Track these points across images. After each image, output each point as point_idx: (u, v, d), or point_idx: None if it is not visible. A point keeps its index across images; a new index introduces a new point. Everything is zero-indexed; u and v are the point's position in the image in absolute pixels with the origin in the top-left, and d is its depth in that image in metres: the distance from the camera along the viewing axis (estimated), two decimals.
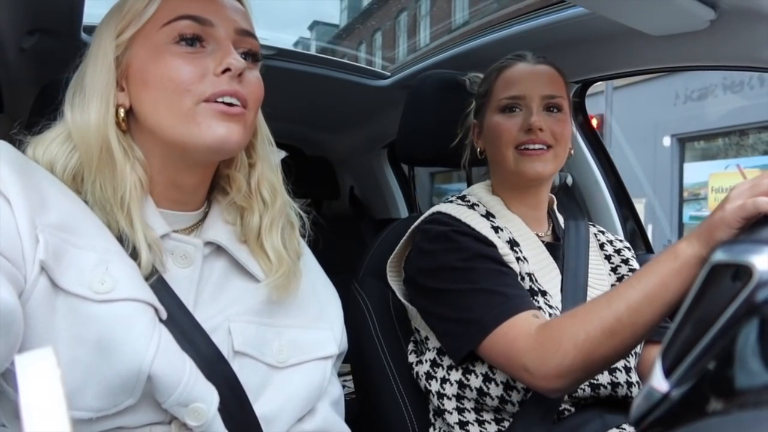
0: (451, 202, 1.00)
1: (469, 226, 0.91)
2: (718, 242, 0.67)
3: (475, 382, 0.89)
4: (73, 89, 0.66)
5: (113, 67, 0.64)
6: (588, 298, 0.94)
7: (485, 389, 0.89)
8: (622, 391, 0.90)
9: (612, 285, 1.01)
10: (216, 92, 0.62)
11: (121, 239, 0.62)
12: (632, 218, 1.55)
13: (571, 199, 1.11)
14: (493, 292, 0.85)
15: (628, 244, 1.09)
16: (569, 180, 1.16)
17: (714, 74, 6.20)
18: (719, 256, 0.40)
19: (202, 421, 0.61)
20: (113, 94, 0.64)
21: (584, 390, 0.88)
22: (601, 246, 1.06)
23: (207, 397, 0.61)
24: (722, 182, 6.58)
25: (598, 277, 1.00)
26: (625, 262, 1.04)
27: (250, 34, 0.68)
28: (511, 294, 0.85)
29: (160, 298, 0.62)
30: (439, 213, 0.95)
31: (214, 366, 0.63)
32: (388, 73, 1.75)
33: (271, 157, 0.75)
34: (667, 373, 0.38)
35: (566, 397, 0.88)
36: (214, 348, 0.64)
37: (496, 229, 0.93)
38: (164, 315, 0.61)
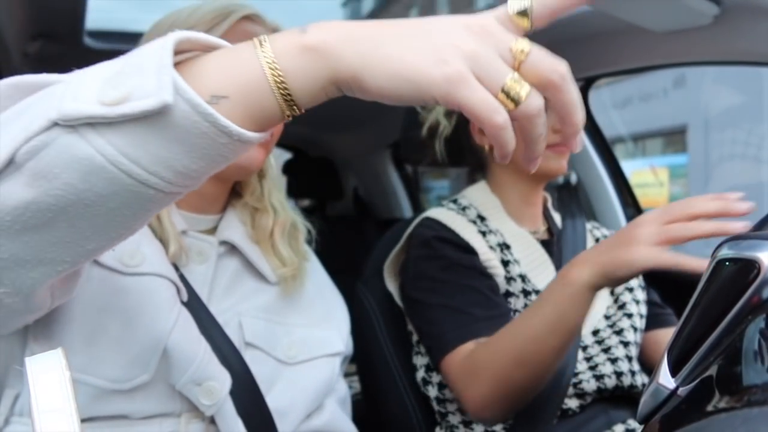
0: (443, 206, 1.01)
1: (452, 232, 0.92)
2: (616, 279, 0.67)
3: None
4: None
5: None
6: None
7: None
8: (627, 380, 0.91)
9: None
10: None
11: (150, 228, 0.67)
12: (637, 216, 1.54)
13: (572, 198, 1.11)
14: (459, 311, 0.85)
15: None
16: (573, 179, 1.16)
17: (632, 87, 7.63)
18: (725, 251, 0.39)
19: (215, 400, 0.63)
20: None
21: (589, 382, 0.89)
22: (597, 241, 1.07)
23: (220, 376, 0.64)
24: (642, 179, 7.88)
25: None
26: None
27: None
28: (478, 315, 0.85)
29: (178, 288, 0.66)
30: (427, 218, 0.97)
31: (227, 354, 0.66)
32: None
33: (276, 178, 0.81)
34: (674, 370, 0.38)
35: (571, 391, 0.88)
36: (227, 338, 0.67)
37: (485, 233, 0.94)
38: (185, 296, 0.65)
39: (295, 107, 0.39)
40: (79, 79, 0.39)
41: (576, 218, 1.06)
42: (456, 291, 0.87)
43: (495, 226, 0.96)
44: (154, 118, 0.36)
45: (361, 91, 0.39)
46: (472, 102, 0.37)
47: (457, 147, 1.07)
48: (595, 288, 0.70)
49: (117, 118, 0.35)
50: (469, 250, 0.90)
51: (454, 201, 1.02)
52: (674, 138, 8.10)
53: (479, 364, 0.78)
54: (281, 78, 0.37)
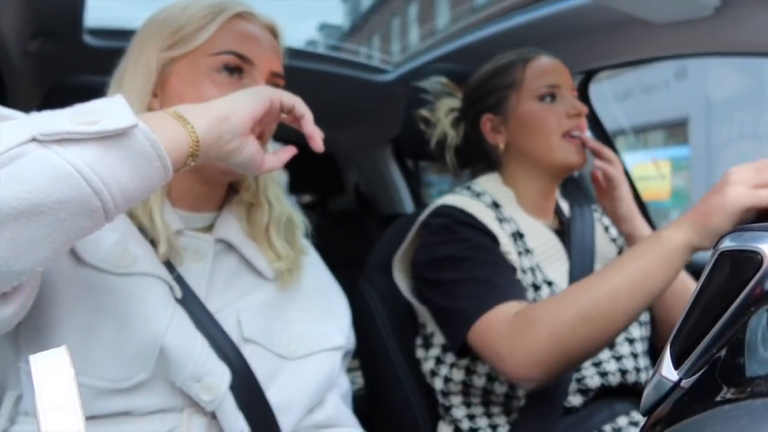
0: (456, 193, 1.00)
1: (471, 216, 0.90)
2: (712, 230, 0.64)
3: (479, 381, 0.89)
4: (113, 90, 0.71)
5: (154, 75, 0.69)
6: None
7: (489, 388, 0.89)
8: (631, 377, 0.91)
9: None
10: None
11: (141, 229, 0.67)
12: (639, 210, 1.54)
13: (577, 188, 1.11)
14: (483, 282, 0.82)
15: None
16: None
17: (633, 79, 7.61)
18: (727, 243, 0.39)
19: (215, 395, 0.63)
20: (149, 99, 0.69)
21: (593, 378, 0.88)
22: (606, 229, 1.06)
23: (219, 372, 0.64)
24: (644, 171, 8.06)
25: (606, 260, 1.00)
26: None
27: (280, 76, 0.75)
28: (500, 283, 0.82)
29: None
30: (442, 206, 0.95)
31: (226, 350, 0.66)
32: (391, 68, 1.74)
33: (274, 173, 0.80)
34: (677, 362, 0.38)
35: (575, 387, 0.88)
36: (225, 334, 0.67)
37: (501, 220, 0.93)
38: (179, 294, 0.65)
39: (198, 144, 0.54)
40: (42, 115, 0.47)
41: (584, 206, 1.06)
42: (479, 264, 0.84)
43: (509, 214, 0.95)
44: (116, 138, 0.46)
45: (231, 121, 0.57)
46: (294, 97, 0.65)
47: (466, 155, 1.07)
48: (691, 247, 0.67)
49: (93, 134, 0.45)
50: (490, 234, 0.89)
51: (468, 188, 1.00)
52: (676, 130, 8.08)
53: (537, 317, 0.73)
54: (187, 120, 0.54)
